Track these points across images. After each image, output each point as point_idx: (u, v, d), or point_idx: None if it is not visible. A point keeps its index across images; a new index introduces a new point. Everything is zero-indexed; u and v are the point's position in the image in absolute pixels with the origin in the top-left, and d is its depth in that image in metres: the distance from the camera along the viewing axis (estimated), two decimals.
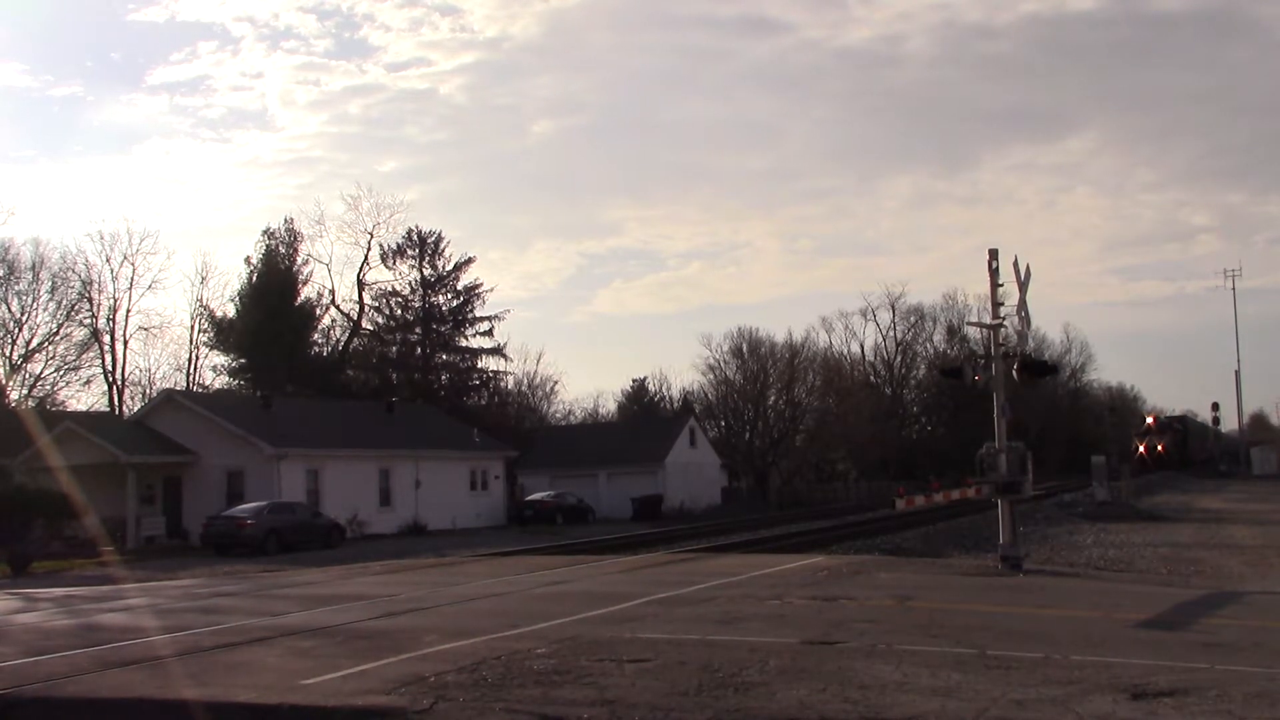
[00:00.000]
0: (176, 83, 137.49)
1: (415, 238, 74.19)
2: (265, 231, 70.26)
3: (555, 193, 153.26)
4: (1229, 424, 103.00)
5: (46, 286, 58.65)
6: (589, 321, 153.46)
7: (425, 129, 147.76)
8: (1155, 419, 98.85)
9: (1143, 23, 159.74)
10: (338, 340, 73.86)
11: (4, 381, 57.27)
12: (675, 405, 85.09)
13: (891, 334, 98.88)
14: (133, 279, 62.85)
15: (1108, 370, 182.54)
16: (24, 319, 57.90)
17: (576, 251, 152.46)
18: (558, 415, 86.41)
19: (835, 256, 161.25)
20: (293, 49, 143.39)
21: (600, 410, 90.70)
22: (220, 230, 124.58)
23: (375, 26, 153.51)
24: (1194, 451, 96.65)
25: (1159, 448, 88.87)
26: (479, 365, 76.78)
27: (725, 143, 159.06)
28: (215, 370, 69.14)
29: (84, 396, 61.53)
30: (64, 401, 58.66)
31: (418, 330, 75.24)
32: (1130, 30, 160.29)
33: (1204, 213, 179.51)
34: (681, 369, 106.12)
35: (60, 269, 59.83)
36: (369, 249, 71.92)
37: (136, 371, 66.72)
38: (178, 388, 58.73)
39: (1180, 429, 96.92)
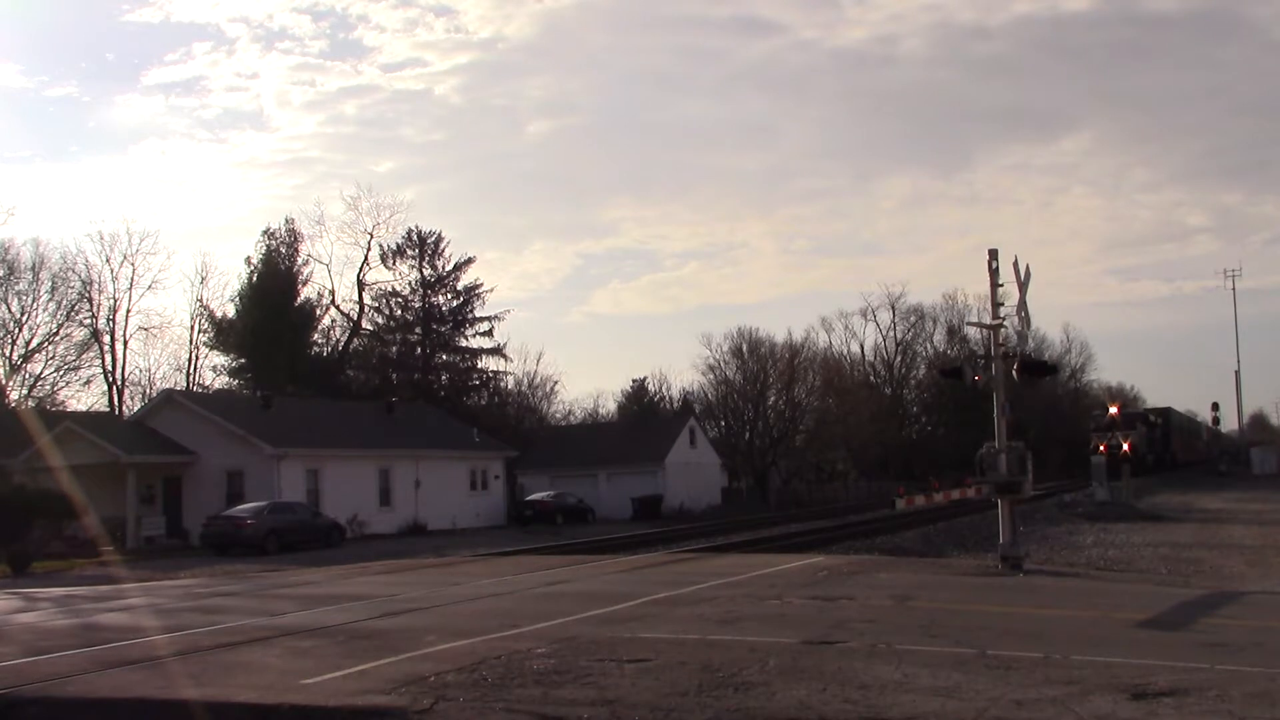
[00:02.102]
0: (172, 83, 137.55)
1: (415, 238, 74.33)
2: (265, 231, 70.44)
3: (552, 193, 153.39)
4: (1229, 424, 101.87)
5: (46, 286, 58.92)
6: (587, 322, 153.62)
7: (421, 129, 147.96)
8: (1120, 408, 78.16)
9: (1138, 23, 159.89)
10: (338, 340, 74.00)
11: (4, 381, 57.40)
12: (675, 405, 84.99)
13: (891, 334, 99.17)
14: (133, 279, 63.13)
15: (1107, 370, 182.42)
16: (24, 319, 58.12)
17: (574, 252, 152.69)
18: (557, 415, 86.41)
19: (833, 256, 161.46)
20: (287, 49, 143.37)
21: (600, 410, 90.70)
22: (219, 230, 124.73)
23: (370, 27, 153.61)
24: (1180, 451, 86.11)
25: (1124, 446, 69.31)
26: (479, 365, 76.93)
27: (721, 143, 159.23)
28: (215, 370, 69.38)
29: (84, 396, 61.77)
30: (64, 401, 58.89)
31: (418, 330, 75.29)
32: (1125, 30, 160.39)
33: (1201, 213, 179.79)
34: (681, 369, 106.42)
35: (60, 269, 60.10)
36: (369, 249, 72.19)
37: (136, 371, 66.92)
38: (178, 388, 58.79)
39: (1158, 423, 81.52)
